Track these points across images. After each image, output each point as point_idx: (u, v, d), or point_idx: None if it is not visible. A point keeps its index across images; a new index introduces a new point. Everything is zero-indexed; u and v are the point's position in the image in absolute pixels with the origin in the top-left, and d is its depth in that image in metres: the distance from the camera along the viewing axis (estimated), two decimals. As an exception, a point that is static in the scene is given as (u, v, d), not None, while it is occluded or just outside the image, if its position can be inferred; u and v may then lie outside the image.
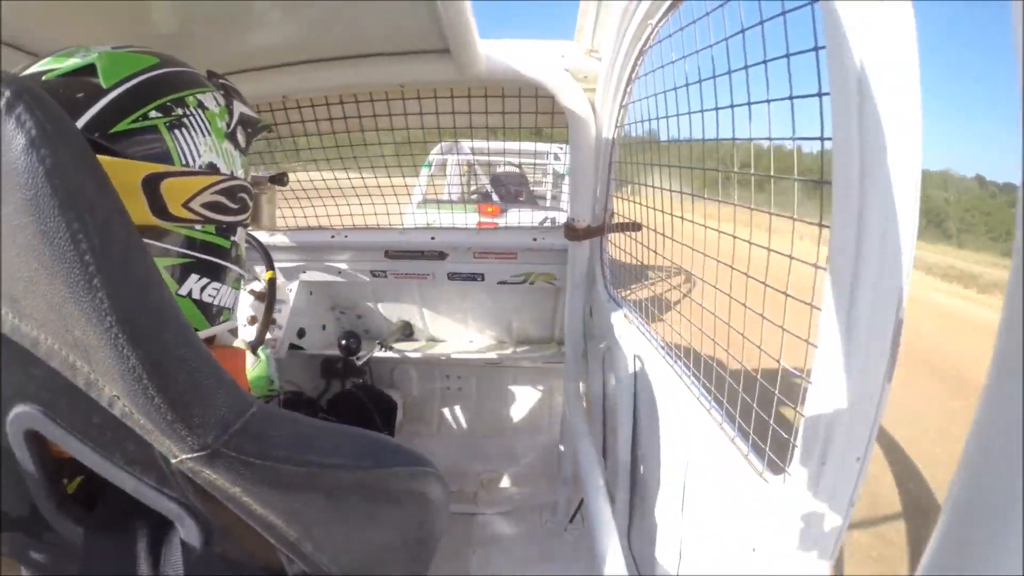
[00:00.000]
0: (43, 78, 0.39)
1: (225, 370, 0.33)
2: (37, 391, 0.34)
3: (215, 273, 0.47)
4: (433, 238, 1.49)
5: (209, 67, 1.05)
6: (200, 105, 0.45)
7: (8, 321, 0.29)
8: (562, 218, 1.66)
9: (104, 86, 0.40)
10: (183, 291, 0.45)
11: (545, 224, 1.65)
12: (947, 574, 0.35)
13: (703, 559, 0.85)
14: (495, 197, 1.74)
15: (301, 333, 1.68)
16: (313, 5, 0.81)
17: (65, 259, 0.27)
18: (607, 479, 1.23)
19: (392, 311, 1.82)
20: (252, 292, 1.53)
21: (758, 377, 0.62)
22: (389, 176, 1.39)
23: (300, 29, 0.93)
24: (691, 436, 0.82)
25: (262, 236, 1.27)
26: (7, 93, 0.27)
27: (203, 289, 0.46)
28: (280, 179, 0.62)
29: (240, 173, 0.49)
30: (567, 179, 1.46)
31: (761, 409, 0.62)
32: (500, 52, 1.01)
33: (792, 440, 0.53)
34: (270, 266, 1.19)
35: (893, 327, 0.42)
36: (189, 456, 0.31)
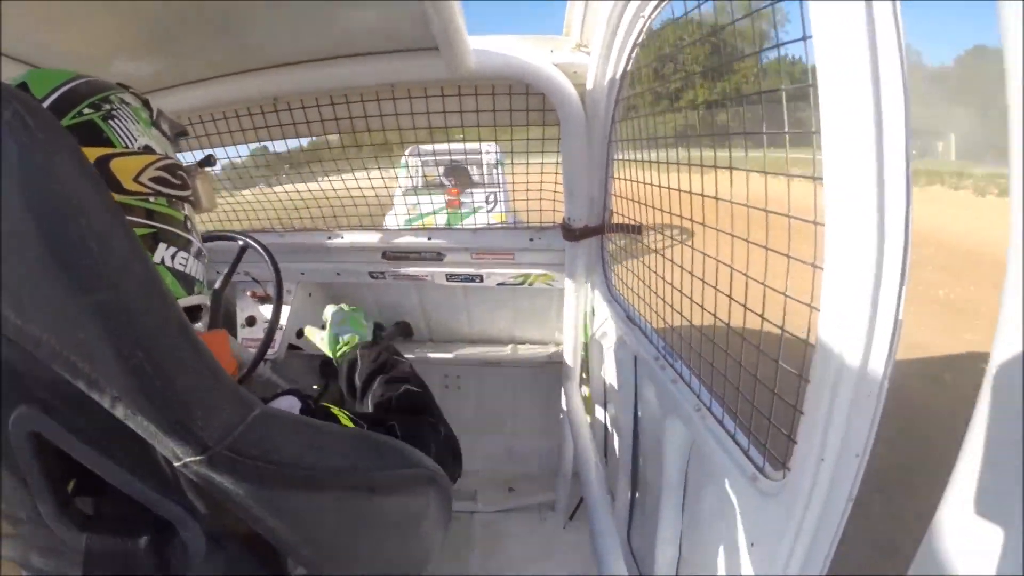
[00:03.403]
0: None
1: (227, 372, 0.33)
2: (40, 393, 0.34)
3: (178, 242, 0.53)
4: (429, 238, 1.48)
5: (197, 71, 1.07)
6: (123, 101, 0.52)
7: (11, 323, 0.28)
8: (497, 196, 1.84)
9: (38, 96, 0.45)
10: (156, 259, 0.50)
11: (490, 200, 1.85)
12: (946, 573, 0.35)
13: (703, 556, 0.85)
14: (447, 183, 2.12)
15: (299, 334, 1.68)
16: (300, 5, 0.81)
17: (67, 263, 0.27)
18: (607, 477, 1.23)
19: (391, 312, 1.82)
20: (253, 294, 1.52)
21: (756, 375, 0.62)
22: (368, 176, 1.40)
23: (288, 30, 0.92)
24: (691, 433, 0.82)
25: (265, 238, 1.26)
26: None
27: (173, 257, 0.52)
28: (208, 161, 0.68)
29: (171, 155, 0.56)
30: (497, 168, 1.74)
31: (761, 406, 0.62)
32: (489, 49, 1.00)
33: (791, 437, 0.53)
34: (275, 269, 1.18)
35: (892, 327, 0.41)
36: (192, 459, 0.31)
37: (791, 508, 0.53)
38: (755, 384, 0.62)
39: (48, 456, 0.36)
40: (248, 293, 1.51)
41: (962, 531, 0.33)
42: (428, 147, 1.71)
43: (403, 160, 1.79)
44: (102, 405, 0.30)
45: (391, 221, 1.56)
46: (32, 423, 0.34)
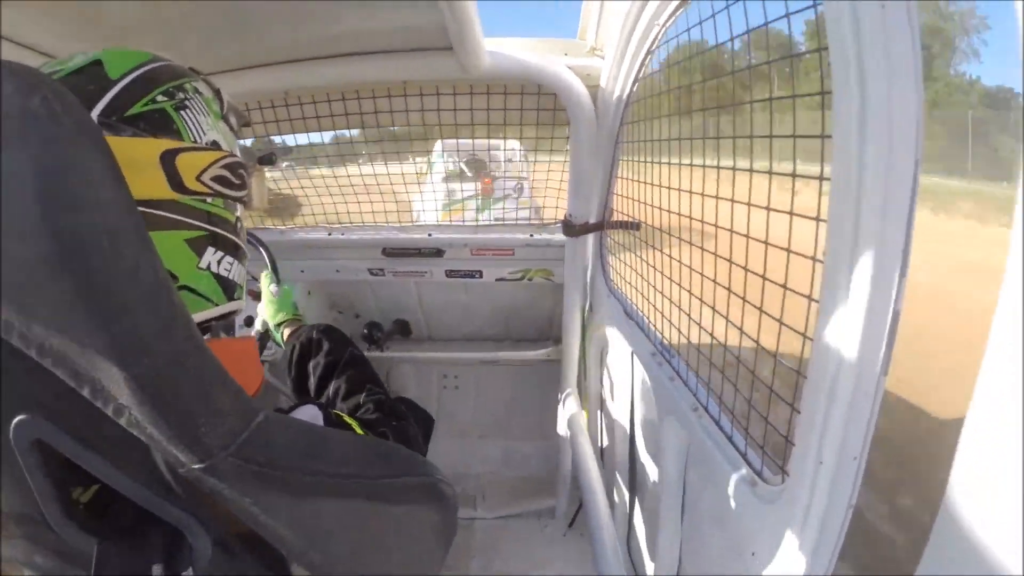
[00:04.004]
0: (52, 78, 0.40)
1: (233, 378, 0.33)
2: (43, 399, 0.33)
3: (227, 247, 0.50)
4: (430, 235, 1.49)
5: (214, 64, 1.08)
6: (196, 91, 0.49)
7: (15, 327, 0.28)
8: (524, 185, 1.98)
9: (113, 77, 0.43)
10: (203, 264, 0.47)
11: (518, 187, 1.98)
12: (947, 574, 0.34)
13: (703, 561, 0.84)
14: (468, 172, 2.29)
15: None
16: (318, 3, 0.82)
17: (74, 263, 0.27)
18: (606, 480, 1.22)
19: (390, 310, 1.82)
20: (250, 292, 1.52)
21: (754, 375, 0.62)
22: (387, 163, 1.43)
23: (304, 26, 0.93)
24: (689, 436, 0.82)
25: (262, 235, 1.27)
26: (26, 87, 0.26)
27: (219, 263, 0.49)
28: (268, 159, 0.64)
29: (236, 152, 0.53)
30: (524, 162, 1.88)
31: (758, 408, 0.62)
32: (503, 50, 1.01)
33: (789, 438, 0.53)
34: (273, 267, 1.18)
35: (890, 321, 0.41)
36: (196, 466, 0.30)
37: (791, 514, 0.52)
38: (752, 382, 0.62)
39: (53, 461, 0.36)
40: (246, 291, 1.51)
41: (965, 532, 0.33)
42: (451, 141, 1.81)
43: (435, 151, 1.91)
44: (105, 411, 0.29)
45: (418, 206, 1.69)
46: (35, 430, 0.33)
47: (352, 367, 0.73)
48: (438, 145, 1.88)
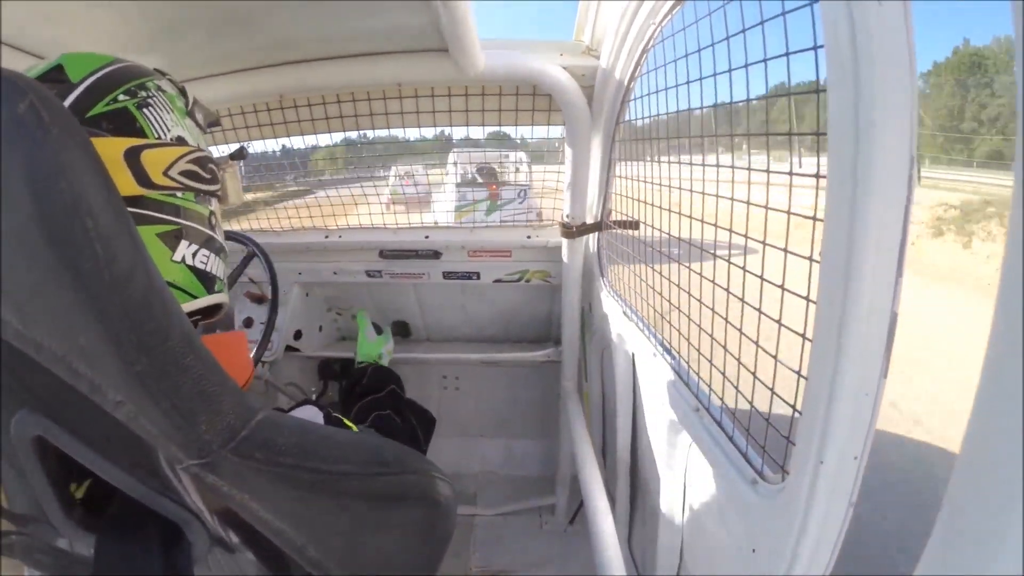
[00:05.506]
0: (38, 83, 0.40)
1: (231, 377, 0.33)
2: (43, 397, 0.33)
3: (202, 240, 0.51)
4: (427, 237, 1.50)
5: (206, 67, 1.08)
6: (159, 88, 0.49)
7: (12, 326, 0.28)
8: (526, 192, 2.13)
9: (74, 80, 0.44)
10: (177, 257, 0.48)
11: (521, 193, 2.10)
12: (946, 574, 0.34)
13: (704, 559, 0.84)
14: (479, 179, 2.48)
15: (297, 335, 1.67)
16: (311, 4, 0.81)
17: (71, 265, 0.27)
18: (606, 479, 1.23)
19: (388, 312, 1.82)
20: (248, 294, 1.53)
21: (755, 375, 0.62)
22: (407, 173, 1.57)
23: (299, 27, 0.92)
24: (690, 435, 0.82)
25: (259, 238, 1.27)
26: (12, 93, 0.27)
27: (195, 255, 0.49)
28: (239, 154, 0.65)
29: (204, 147, 0.54)
30: (521, 167, 2.06)
31: (759, 407, 0.62)
32: (498, 51, 1.01)
33: (790, 439, 0.53)
34: (270, 270, 1.18)
35: (888, 321, 0.42)
36: (195, 462, 0.31)
37: (791, 512, 0.52)
38: (754, 383, 0.62)
39: (52, 459, 0.36)
40: (244, 293, 1.51)
41: (966, 531, 0.33)
42: (465, 152, 2.03)
43: (450, 158, 2.10)
44: (104, 408, 0.29)
45: (440, 207, 1.98)
46: (35, 427, 0.34)
47: (380, 425, 0.80)
48: (452, 156, 2.04)
